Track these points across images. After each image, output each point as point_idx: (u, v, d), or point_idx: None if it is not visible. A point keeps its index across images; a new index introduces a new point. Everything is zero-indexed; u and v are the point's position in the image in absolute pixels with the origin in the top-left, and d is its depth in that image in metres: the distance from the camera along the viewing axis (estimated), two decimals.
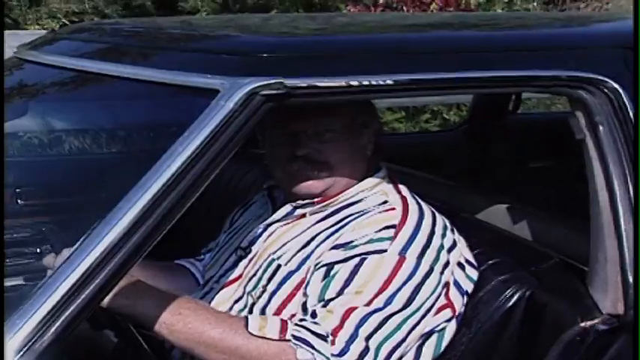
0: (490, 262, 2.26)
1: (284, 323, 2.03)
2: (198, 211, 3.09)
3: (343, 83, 1.87)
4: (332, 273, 2.07)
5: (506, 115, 4.53)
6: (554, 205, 3.20)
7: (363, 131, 2.26)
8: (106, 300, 1.86)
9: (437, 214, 2.22)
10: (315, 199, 2.23)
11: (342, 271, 2.06)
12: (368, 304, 2.02)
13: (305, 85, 1.85)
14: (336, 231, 2.17)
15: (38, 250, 2.33)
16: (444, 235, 2.18)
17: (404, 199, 2.21)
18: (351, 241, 2.10)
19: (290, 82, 1.82)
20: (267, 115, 1.84)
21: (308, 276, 2.12)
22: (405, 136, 5.71)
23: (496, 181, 4.24)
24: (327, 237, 2.16)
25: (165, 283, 2.35)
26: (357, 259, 2.06)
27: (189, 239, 2.60)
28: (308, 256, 2.15)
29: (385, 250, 2.07)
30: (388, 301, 2.03)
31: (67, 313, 1.66)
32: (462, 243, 2.24)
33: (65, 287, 1.67)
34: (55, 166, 3.29)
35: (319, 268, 2.10)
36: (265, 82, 1.80)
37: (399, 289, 2.04)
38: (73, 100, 2.35)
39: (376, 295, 2.03)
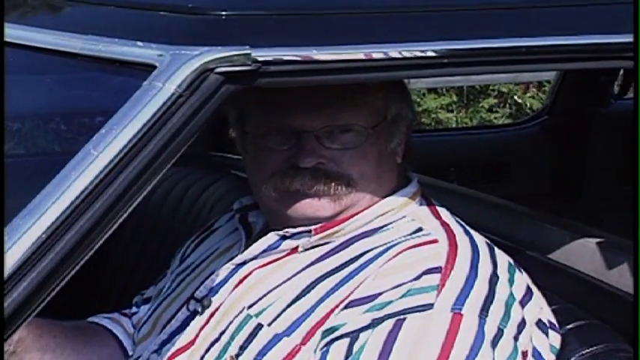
0: (572, 325, 1.79)
1: None
2: (134, 242, 2.47)
3: (361, 55, 1.48)
4: (356, 347, 1.57)
5: (609, 101, 3.62)
6: None
7: (394, 128, 1.73)
8: None
9: (496, 249, 1.71)
10: (313, 227, 1.69)
11: (371, 343, 1.56)
12: None
13: (288, 58, 1.44)
14: (349, 277, 1.65)
15: None
16: (511, 282, 1.66)
17: (446, 226, 1.70)
18: (377, 295, 1.60)
19: (262, 53, 1.43)
20: (245, 102, 1.53)
21: (313, 347, 1.60)
22: (455, 133, 4.49)
23: (589, 203, 3.42)
24: (335, 287, 1.65)
25: (72, 354, 1.82)
26: (389, 323, 1.56)
27: (119, 285, 2.22)
28: (305, 316, 1.64)
29: (431, 306, 1.57)
30: None
31: None
32: (537, 293, 1.74)
33: None
34: None
35: (335, 340, 1.59)
36: (224, 54, 1.43)
37: None
38: None
39: None
